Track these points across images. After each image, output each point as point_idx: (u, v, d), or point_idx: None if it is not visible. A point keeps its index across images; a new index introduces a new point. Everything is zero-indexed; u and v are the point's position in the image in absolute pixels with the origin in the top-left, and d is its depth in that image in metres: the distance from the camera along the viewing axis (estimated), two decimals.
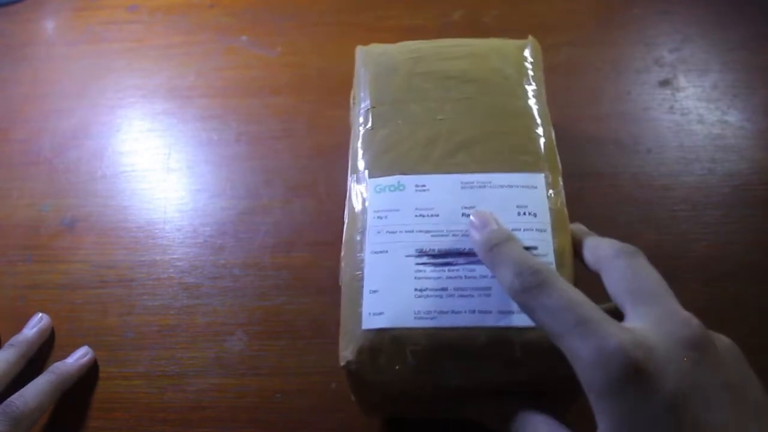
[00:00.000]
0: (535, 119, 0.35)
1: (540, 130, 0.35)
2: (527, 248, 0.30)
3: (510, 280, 0.26)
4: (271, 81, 0.52)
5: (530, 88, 0.36)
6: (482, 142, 0.34)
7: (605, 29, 0.53)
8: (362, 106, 0.37)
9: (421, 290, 0.29)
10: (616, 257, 0.27)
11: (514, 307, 0.28)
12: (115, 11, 0.58)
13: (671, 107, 0.48)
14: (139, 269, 0.43)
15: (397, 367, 0.28)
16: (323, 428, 0.37)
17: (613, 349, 0.22)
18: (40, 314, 0.41)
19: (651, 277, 0.26)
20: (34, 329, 0.40)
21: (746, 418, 0.22)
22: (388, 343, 0.28)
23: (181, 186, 0.47)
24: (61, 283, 0.43)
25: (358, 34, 0.54)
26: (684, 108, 0.48)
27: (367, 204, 0.32)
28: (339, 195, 0.36)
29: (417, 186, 0.32)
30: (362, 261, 0.31)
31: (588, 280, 0.29)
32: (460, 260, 0.30)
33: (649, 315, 0.24)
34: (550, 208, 0.31)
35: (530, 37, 0.39)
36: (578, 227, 0.32)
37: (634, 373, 0.22)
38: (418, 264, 0.30)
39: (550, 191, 0.32)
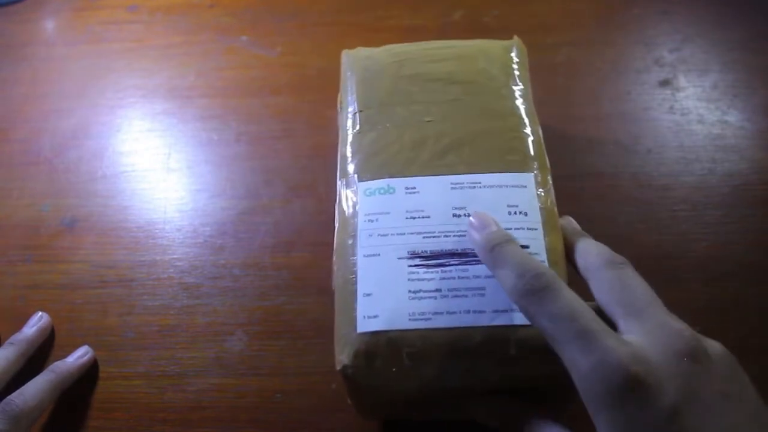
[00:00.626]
0: (523, 119, 0.35)
1: (528, 130, 0.35)
2: (520, 247, 0.30)
3: (512, 282, 0.27)
4: (271, 81, 0.52)
5: (517, 89, 0.37)
6: (470, 143, 0.34)
7: (605, 29, 0.53)
8: (349, 109, 0.37)
9: (414, 292, 0.29)
10: (605, 268, 0.27)
11: (508, 305, 0.28)
12: (115, 11, 0.58)
13: (671, 107, 0.48)
14: (139, 269, 0.43)
15: (393, 370, 0.28)
16: (323, 428, 0.37)
17: (614, 363, 0.23)
18: (40, 313, 0.41)
19: (639, 288, 0.26)
20: (34, 328, 0.40)
21: (745, 423, 0.23)
22: (383, 345, 0.28)
23: (181, 186, 0.47)
24: (61, 283, 0.43)
25: (358, 34, 0.54)
26: (684, 108, 0.48)
27: (357, 208, 0.32)
28: None
29: (407, 188, 0.32)
30: (355, 265, 0.31)
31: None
32: (453, 261, 0.30)
33: (641, 328, 0.25)
34: (541, 207, 0.31)
35: (515, 38, 0.40)
36: (569, 223, 0.32)
37: (634, 387, 0.22)
38: (410, 266, 0.30)
39: (540, 190, 0.32)
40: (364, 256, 0.31)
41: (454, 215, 0.31)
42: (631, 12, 0.54)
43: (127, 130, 0.51)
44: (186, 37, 0.56)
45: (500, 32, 0.42)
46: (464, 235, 0.30)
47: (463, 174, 0.33)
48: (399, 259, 0.30)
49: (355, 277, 0.30)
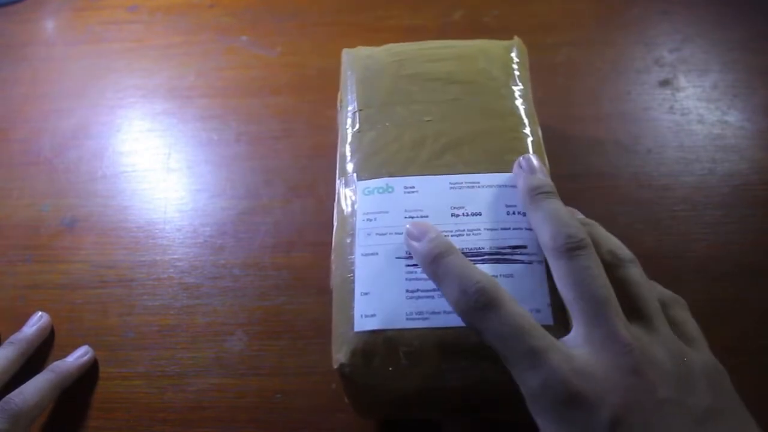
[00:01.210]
0: (522, 119, 0.35)
1: (527, 130, 0.35)
2: (517, 247, 0.30)
3: (455, 297, 0.27)
4: (271, 81, 0.52)
5: (517, 89, 0.37)
6: (470, 142, 0.34)
7: (605, 29, 0.53)
8: (349, 109, 0.37)
9: (412, 291, 0.29)
10: (558, 256, 0.27)
11: None
12: (115, 11, 0.58)
13: (671, 107, 0.48)
14: (139, 269, 0.43)
15: (390, 369, 0.28)
16: (323, 428, 0.37)
17: (558, 379, 0.24)
18: (40, 312, 0.41)
19: (594, 283, 0.26)
20: (34, 327, 0.40)
21: (689, 428, 0.23)
22: (381, 344, 0.28)
23: (181, 186, 0.47)
24: (61, 283, 0.43)
25: (358, 34, 0.54)
26: (684, 108, 0.48)
27: (356, 207, 0.32)
28: None
29: (405, 188, 0.32)
30: (353, 263, 0.31)
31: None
32: None
33: (591, 337, 0.25)
34: None
35: (516, 38, 0.40)
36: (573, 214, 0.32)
37: (574, 401, 0.23)
38: (408, 265, 0.30)
39: None
40: (362, 255, 0.31)
41: (453, 215, 0.31)
42: (631, 12, 0.54)
43: (127, 130, 0.51)
44: (186, 37, 0.56)
45: (500, 32, 0.42)
46: (463, 235, 0.30)
47: (462, 174, 0.33)
48: (397, 258, 0.30)
49: (353, 276, 0.30)
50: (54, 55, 0.56)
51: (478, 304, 0.26)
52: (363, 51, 0.40)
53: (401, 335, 0.28)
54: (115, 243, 0.44)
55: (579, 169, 0.45)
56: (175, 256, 0.44)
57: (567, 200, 0.32)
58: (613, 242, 0.29)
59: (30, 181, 0.48)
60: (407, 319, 0.29)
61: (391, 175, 0.33)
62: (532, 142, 0.34)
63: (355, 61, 0.39)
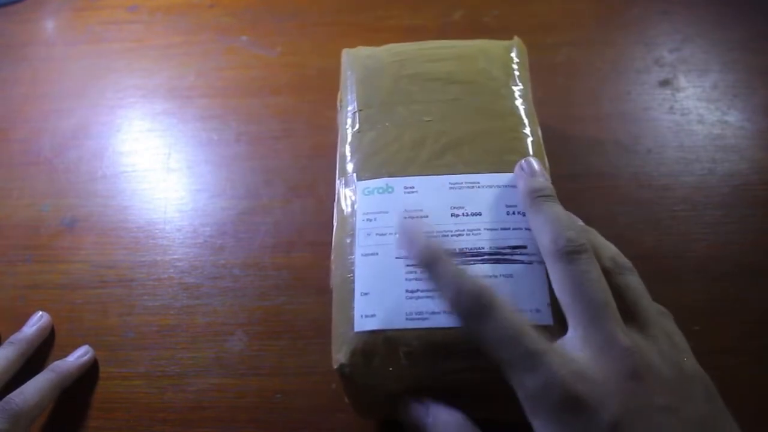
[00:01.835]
0: (522, 119, 0.35)
1: (527, 130, 0.35)
2: (517, 247, 0.30)
3: (451, 302, 0.26)
4: (271, 81, 0.52)
5: (517, 89, 0.37)
6: (470, 142, 0.34)
7: (605, 29, 0.53)
8: (349, 108, 0.37)
9: (412, 291, 0.29)
10: (557, 259, 0.27)
11: None
12: (115, 11, 0.58)
13: (671, 107, 0.48)
14: (139, 269, 0.43)
15: (390, 369, 0.28)
16: (323, 428, 0.37)
17: (558, 382, 0.23)
18: (40, 312, 0.41)
19: (594, 287, 0.26)
20: (34, 327, 0.40)
21: None
22: (380, 344, 0.28)
23: (181, 186, 0.47)
24: (61, 283, 0.43)
25: (358, 34, 0.54)
26: (684, 108, 0.48)
27: (355, 207, 0.33)
28: None
29: (405, 188, 0.32)
30: (352, 264, 0.31)
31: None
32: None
33: (589, 341, 0.25)
34: None
35: (516, 38, 0.40)
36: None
37: (575, 405, 0.23)
38: (408, 265, 0.30)
39: None
40: (362, 255, 0.31)
41: (453, 215, 0.31)
42: (631, 12, 0.54)
43: (127, 130, 0.51)
44: (186, 37, 0.56)
45: (500, 32, 0.42)
46: (463, 235, 0.30)
47: (462, 174, 0.33)
48: (397, 258, 0.30)
49: (353, 276, 0.30)
50: (54, 55, 0.56)
51: (474, 310, 0.26)
52: (363, 51, 0.40)
53: (401, 335, 0.28)
54: (115, 243, 0.44)
55: (579, 169, 0.45)
56: (175, 256, 0.44)
57: (567, 200, 0.32)
58: (612, 250, 0.29)
59: (30, 181, 0.48)
60: (407, 319, 0.29)
61: (391, 175, 0.33)
62: (532, 142, 0.34)
63: (355, 60, 0.39)
